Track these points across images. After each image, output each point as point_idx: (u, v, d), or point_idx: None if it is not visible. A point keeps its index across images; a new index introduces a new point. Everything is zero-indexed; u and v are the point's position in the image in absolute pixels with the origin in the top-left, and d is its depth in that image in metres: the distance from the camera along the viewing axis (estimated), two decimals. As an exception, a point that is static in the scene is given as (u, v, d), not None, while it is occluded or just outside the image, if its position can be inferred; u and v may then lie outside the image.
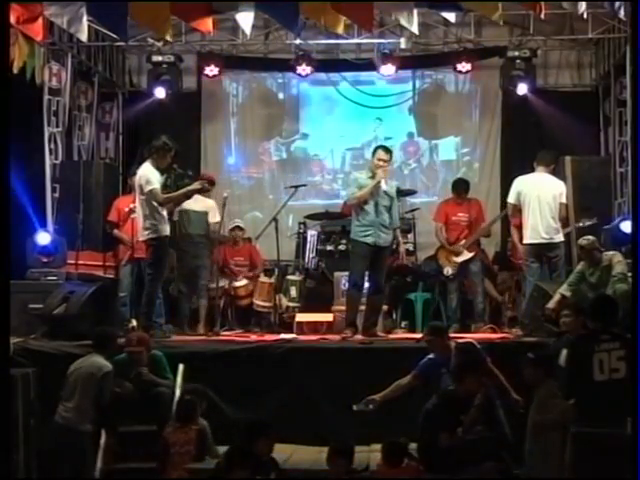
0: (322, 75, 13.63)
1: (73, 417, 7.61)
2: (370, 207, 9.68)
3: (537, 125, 13.11)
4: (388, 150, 9.94)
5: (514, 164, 12.78)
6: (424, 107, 14.10)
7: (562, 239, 9.93)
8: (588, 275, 8.92)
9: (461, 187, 11.41)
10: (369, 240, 9.64)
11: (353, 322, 9.76)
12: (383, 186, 9.68)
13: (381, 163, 9.71)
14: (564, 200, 10.00)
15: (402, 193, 12.17)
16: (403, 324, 11.24)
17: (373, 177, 9.73)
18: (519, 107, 13.17)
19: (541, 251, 9.84)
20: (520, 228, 10.55)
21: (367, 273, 9.85)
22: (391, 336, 10.05)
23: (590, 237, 9.14)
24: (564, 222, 10.10)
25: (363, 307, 9.91)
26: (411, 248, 11.88)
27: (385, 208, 9.74)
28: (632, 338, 6.41)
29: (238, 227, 11.50)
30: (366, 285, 9.92)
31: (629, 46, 11.11)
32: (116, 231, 10.91)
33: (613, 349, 6.45)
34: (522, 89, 12.63)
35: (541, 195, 9.86)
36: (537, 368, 7.16)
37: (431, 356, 7.93)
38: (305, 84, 13.97)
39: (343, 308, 10.10)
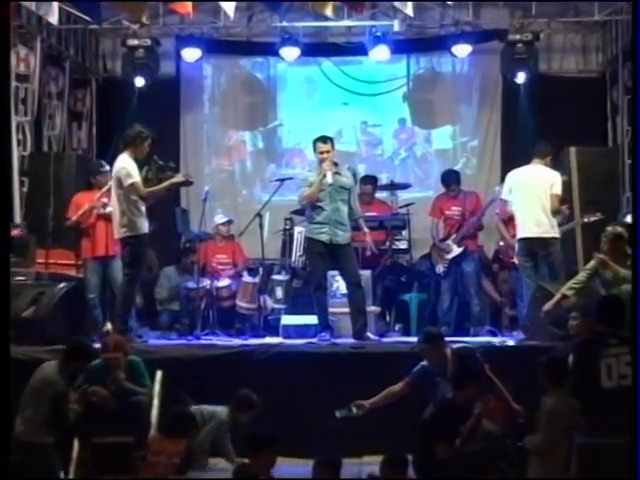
0: (309, 59, 13.55)
1: (28, 429, 7.54)
2: (325, 203, 9.67)
3: (540, 113, 13.05)
4: (327, 140, 9.87)
5: (515, 154, 12.68)
6: (419, 94, 14.06)
7: (556, 235, 9.83)
8: (602, 272, 8.65)
9: (450, 179, 11.40)
10: (324, 238, 9.66)
11: (327, 324, 9.81)
12: (329, 178, 9.61)
13: (324, 155, 9.71)
14: (556, 191, 9.84)
15: (395, 187, 12.23)
16: (397, 327, 11.22)
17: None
18: (520, 94, 13.09)
19: (533, 247, 9.76)
20: (507, 222, 10.61)
21: (337, 274, 10.02)
22: (384, 340, 10.03)
23: (617, 227, 8.98)
24: (557, 213, 9.98)
25: (347, 310, 9.93)
26: (405, 246, 11.86)
27: (343, 202, 9.74)
28: (632, 340, 6.42)
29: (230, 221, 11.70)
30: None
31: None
32: (74, 218, 10.51)
33: (622, 354, 6.46)
34: (524, 75, 12.61)
35: (529, 187, 9.81)
36: (545, 376, 6.95)
37: (424, 363, 7.92)
38: (290, 69, 13.87)
39: (333, 310, 10.10)
